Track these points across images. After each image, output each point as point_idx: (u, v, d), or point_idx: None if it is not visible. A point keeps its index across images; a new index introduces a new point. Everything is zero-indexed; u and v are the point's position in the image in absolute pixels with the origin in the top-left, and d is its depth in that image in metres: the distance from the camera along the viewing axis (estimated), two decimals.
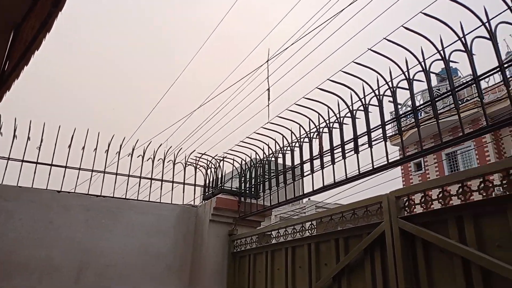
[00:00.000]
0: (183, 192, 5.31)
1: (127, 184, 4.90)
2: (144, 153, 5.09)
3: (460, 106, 2.61)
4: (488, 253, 2.05)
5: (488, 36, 2.36)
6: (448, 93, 2.57)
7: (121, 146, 4.96)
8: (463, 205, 2.23)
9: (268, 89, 9.65)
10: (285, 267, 3.68)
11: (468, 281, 2.12)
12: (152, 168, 5.13)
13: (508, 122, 2.22)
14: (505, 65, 2.27)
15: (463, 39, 2.49)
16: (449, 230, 2.28)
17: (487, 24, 2.37)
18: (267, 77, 9.74)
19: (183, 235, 4.96)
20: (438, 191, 2.40)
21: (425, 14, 2.65)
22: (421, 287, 2.36)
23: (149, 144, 5.13)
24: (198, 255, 4.72)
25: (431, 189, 2.47)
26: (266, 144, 4.38)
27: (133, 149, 5.05)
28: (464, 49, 2.49)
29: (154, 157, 5.19)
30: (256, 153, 4.61)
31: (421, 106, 3.21)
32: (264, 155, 4.48)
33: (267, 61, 9.78)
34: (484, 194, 2.15)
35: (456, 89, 2.55)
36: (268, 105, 9.82)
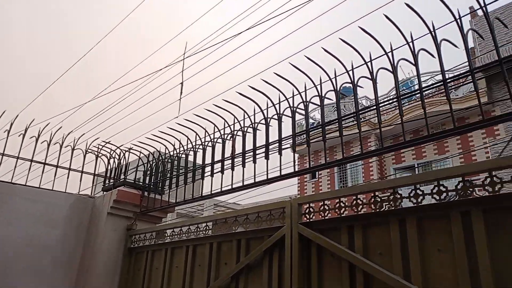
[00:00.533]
0: (80, 180, 4.95)
1: (15, 166, 4.38)
2: (39, 135, 4.61)
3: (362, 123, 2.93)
4: (371, 259, 2.34)
5: (390, 69, 2.70)
6: (353, 114, 2.87)
7: (11, 124, 4.42)
8: (354, 216, 2.51)
9: (182, 83, 9.50)
10: (184, 265, 3.68)
11: (352, 283, 2.39)
12: (47, 151, 4.67)
13: (389, 149, 2.57)
14: (401, 97, 2.62)
15: (369, 64, 2.80)
16: (341, 237, 2.54)
17: (390, 55, 2.70)
18: (182, 71, 9.59)
19: (76, 226, 4.61)
20: (335, 202, 2.66)
21: (341, 39, 2.91)
22: (312, 286, 2.59)
23: (47, 125, 4.66)
24: (91, 249, 4.43)
25: (329, 199, 2.73)
26: (178, 140, 4.33)
27: (26, 129, 4.54)
28: (370, 77, 2.81)
29: (50, 140, 4.73)
30: (166, 147, 4.52)
31: (329, 123, 3.50)
32: (174, 151, 4.42)
33: (183, 54, 9.63)
34: (373, 207, 2.44)
35: (360, 112, 2.86)
36: (180, 99, 9.66)
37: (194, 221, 3.85)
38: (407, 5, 2.49)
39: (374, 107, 2.72)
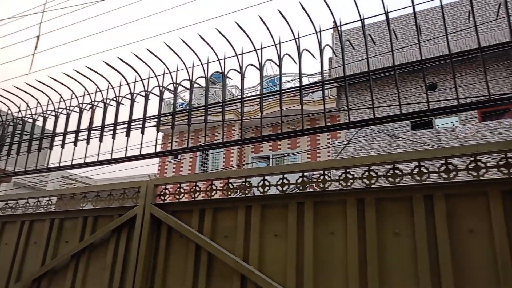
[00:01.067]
0: None
1: None
2: None
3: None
4: (217, 242, 2.51)
5: (258, 67, 2.90)
6: (220, 104, 2.99)
7: None
8: (207, 200, 2.64)
9: (38, 37, 8.31)
10: (16, 241, 3.29)
11: (197, 263, 2.52)
12: None
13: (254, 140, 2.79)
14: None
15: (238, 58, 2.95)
16: (192, 219, 2.65)
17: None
18: (40, 23, 8.38)
19: None
20: (192, 185, 2.75)
21: (217, 30, 2.98)
22: (157, 266, 2.63)
23: None
24: None
25: (186, 182, 2.80)
26: (25, 102, 3.79)
27: None
28: (239, 71, 2.96)
29: None
30: (8, 108, 3.92)
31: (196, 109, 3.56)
32: (19, 113, 3.86)
33: (44, 4, 8.43)
34: (226, 193, 2.61)
35: (226, 102, 2.99)
36: (33, 54, 8.45)
37: (35, 194, 3.46)
38: (279, 12, 2.70)
39: (239, 99, 2.88)
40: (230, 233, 2.50)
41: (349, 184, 2.26)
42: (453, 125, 11.75)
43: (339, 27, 2.72)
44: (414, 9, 2.39)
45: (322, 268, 2.17)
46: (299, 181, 2.43)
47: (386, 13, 2.44)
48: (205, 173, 14.03)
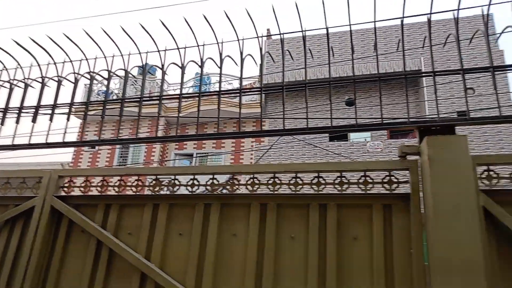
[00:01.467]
0: None
1: None
2: None
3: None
4: (120, 238, 2.47)
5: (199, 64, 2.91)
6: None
7: None
8: (115, 196, 2.59)
9: None
10: None
11: (96, 259, 2.45)
12: None
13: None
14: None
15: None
16: (96, 214, 2.57)
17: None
18: None
19: None
20: (99, 179, 2.67)
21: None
22: (52, 263, 2.51)
23: None
24: None
25: (93, 176, 2.71)
26: None
27: None
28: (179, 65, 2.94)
29: None
30: None
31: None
32: None
33: None
34: (134, 190, 2.59)
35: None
36: None
37: None
38: (204, 16, 2.75)
39: (177, 96, 2.81)
40: (135, 230, 2.48)
41: (255, 188, 2.39)
42: (365, 140, 12.77)
43: (261, 37, 2.84)
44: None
45: (222, 268, 2.26)
46: (209, 183, 2.50)
47: (327, 28, 2.57)
48: (115, 168, 13.43)
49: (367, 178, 2.25)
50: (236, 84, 13.84)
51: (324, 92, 12.11)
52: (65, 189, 2.72)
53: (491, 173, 2.02)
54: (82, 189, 2.70)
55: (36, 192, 2.70)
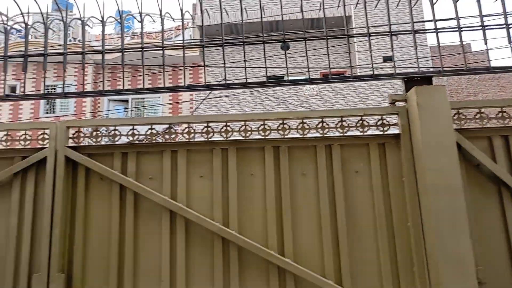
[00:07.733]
0: None
1: None
2: None
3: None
4: (142, 183, 2.64)
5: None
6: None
7: None
8: (129, 144, 2.71)
9: None
10: None
11: (122, 202, 2.62)
12: None
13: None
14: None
15: None
16: (114, 162, 2.68)
17: None
18: None
19: None
20: (112, 129, 2.75)
21: None
22: (77, 209, 2.62)
23: None
24: None
25: (104, 126, 2.77)
26: None
27: None
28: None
29: None
30: None
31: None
32: None
33: None
34: (148, 139, 2.72)
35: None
36: None
37: None
38: None
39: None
40: (156, 175, 2.67)
41: (266, 134, 2.69)
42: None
43: None
44: None
45: (245, 203, 2.59)
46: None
47: None
48: (127, 118, 12.60)
49: (364, 122, 2.67)
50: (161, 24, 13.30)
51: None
52: (75, 139, 2.75)
53: (461, 115, 2.57)
54: (93, 139, 2.75)
55: (43, 143, 2.69)
